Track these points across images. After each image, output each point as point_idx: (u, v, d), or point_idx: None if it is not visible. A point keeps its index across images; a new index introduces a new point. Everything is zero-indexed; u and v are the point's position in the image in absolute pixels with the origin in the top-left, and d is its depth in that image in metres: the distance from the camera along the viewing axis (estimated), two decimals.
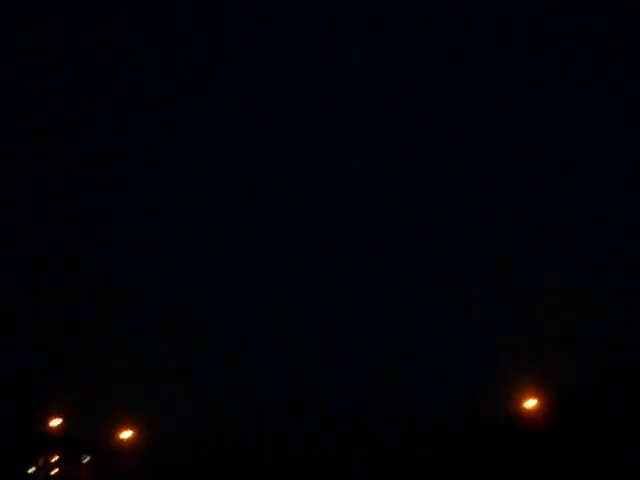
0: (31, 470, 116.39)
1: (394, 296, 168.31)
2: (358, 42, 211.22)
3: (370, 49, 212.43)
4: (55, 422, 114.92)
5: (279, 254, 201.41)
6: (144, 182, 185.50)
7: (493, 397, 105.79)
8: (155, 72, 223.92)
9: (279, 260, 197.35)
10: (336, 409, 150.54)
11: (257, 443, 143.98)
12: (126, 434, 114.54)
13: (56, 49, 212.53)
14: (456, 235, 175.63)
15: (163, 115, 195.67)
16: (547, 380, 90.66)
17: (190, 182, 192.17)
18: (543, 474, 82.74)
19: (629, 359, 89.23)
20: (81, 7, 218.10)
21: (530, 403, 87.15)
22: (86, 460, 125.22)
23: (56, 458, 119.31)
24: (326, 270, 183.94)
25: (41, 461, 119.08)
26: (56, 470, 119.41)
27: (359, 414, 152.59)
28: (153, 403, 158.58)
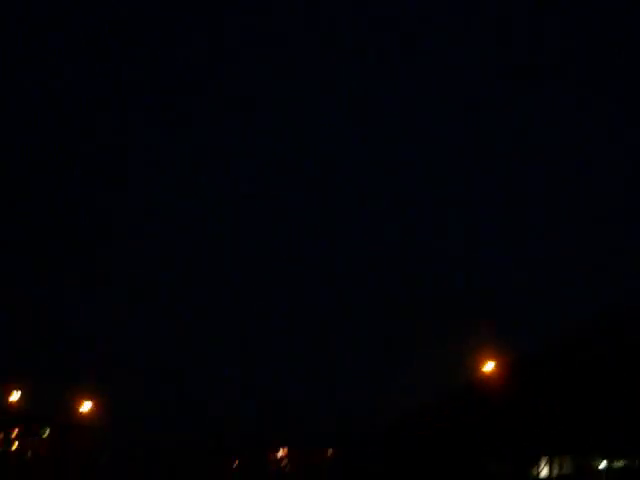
0: None
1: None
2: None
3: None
4: (14, 397, 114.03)
5: None
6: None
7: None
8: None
9: None
10: None
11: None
12: (86, 407, 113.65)
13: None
14: None
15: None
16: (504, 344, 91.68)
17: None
18: (502, 435, 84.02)
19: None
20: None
21: (488, 366, 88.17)
22: (46, 434, 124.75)
23: (16, 432, 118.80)
24: None
25: (1, 436, 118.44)
26: (16, 445, 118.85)
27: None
28: (111, 375, 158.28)
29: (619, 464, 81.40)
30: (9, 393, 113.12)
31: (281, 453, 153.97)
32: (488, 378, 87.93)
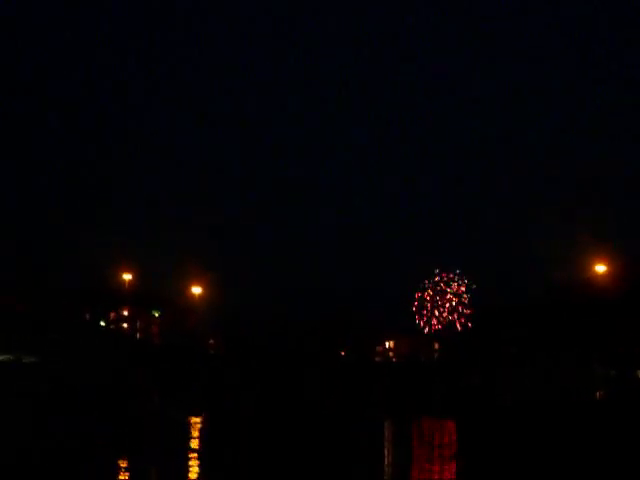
0: (102, 323, 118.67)
1: None
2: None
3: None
4: (126, 277, 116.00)
5: None
6: None
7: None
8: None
9: None
10: None
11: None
12: (196, 290, 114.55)
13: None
14: None
15: None
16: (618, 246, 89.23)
17: None
18: (609, 338, 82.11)
19: None
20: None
21: (600, 267, 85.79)
22: (157, 315, 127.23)
23: (126, 313, 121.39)
24: None
25: (112, 315, 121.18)
26: (126, 324, 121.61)
27: None
28: (223, 260, 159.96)
29: None
30: (122, 273, 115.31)
31: (388, 345, 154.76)
32: (600, 279, 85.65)
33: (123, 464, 40.74)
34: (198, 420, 68.73)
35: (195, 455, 45.13)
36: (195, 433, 59.07)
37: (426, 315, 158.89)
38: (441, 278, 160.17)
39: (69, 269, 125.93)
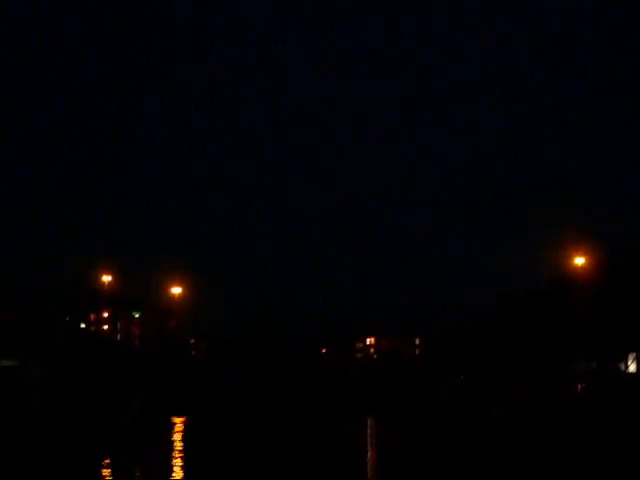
0: (82, 325, 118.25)
1: None
2: None
3: None
4: (106, 278, 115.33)
5: None
6: None
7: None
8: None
9: None
10: None
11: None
12: (176, 290, 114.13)
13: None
14: None
15: None
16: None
17: None
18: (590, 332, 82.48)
19: None
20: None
21: (579, 260, 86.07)
22: (137, 316, 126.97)
23: (106, 314, 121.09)
24: None
25: (93, 317, 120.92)
26: (106, 326, 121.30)
27: None
28: (202, 260, 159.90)
29: None
30: (102, 275, 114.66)
31: (369, 341, 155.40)
32: (578, 273, 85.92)
33: (106, 464, 40.77)
34: (180, 420, 68.81)
35: (178, 455, 45.18)
36: (177, 434, 59.13)
37: None
38: None
39: (49, 271, 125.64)
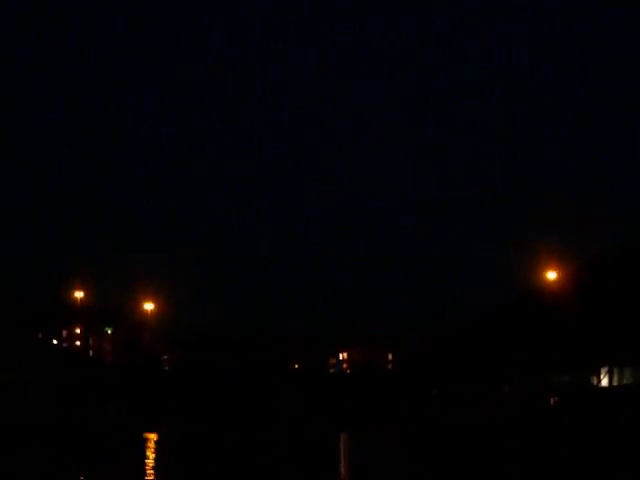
0: (55, 341, 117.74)
1: None
2: None
3: None
4: (78, 294, 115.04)
5: None
6: None
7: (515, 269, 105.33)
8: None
9: None
10: None
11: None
12: (149, 306, 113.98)
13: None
14: None
15: None
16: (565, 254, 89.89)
17: None
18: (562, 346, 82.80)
19: None
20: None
21: (551, 275, 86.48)
22: (109, 332, 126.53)
23: (78, 330, 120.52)
24: None
25: (65, 333, 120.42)
26: (79, 342, 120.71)
27: None
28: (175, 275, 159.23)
29: None
30: (73, 291, 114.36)
31: (342, 356, 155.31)
32: (550, 287, 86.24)
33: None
34: (153, 436, 68.42)
35: (151, 470, 44.93)
36: (150, 449, 58.79)
37: None
38: None
39: (21, 287, 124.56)
